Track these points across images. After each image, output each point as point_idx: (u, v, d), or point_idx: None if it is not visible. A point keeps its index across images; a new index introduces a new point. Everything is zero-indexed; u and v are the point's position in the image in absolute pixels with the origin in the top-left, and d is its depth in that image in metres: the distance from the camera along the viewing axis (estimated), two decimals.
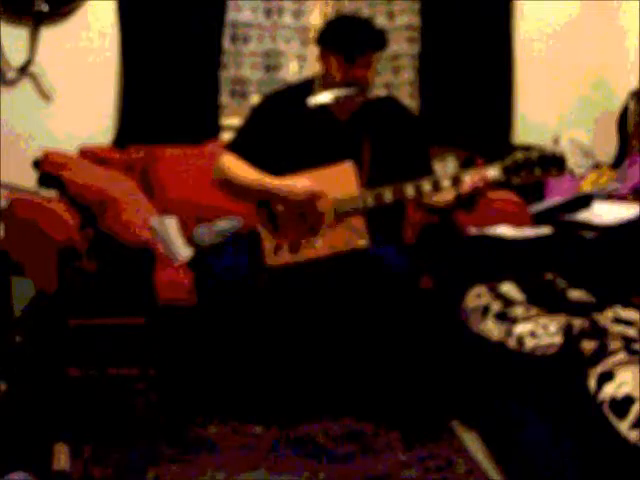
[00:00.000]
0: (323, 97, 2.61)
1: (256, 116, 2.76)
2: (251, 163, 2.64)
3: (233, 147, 2.72)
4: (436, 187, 2.48)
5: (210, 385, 2.60)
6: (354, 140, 2.65)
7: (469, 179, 2.45)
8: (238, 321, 2.53)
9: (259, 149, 2.67)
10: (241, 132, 2.78)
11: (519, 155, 2.43)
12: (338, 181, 2.54)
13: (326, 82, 2.63)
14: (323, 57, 2.65)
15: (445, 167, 3.71)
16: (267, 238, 2.59)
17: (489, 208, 2.93)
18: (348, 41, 2.57)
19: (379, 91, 2.74)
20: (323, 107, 2.64)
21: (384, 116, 2.71)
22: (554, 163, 2.42)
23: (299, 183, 2.52)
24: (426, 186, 2.48)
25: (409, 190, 2.49)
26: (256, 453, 2.35)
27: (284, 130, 2.68)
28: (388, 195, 2.50)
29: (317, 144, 2.65)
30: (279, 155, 2.66)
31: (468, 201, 2.53)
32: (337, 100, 2.60)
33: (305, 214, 2.53)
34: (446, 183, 2.48)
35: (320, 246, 2.55)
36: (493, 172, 2.44)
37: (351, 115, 2.68)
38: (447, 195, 2.55)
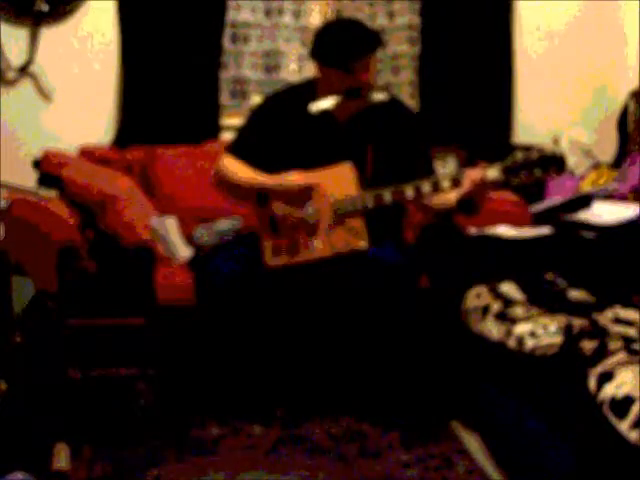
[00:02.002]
0: (325, 103, 2.60)
1: (256, 118, 2.76)
2: (251, 164, 2.64)
3: (233, 149, 2.72)
4: (436, 188, 2.48)
5: (210, 385, 2.60)
6: (355, 142, 2.65)
7: (468, 179, 2.45)
8: (238, 321, 2.53)
9: (259, 151, 2.67)
10: (241, 133, 2.78)
11: (519, 155, 2.43)
12: (337, 182, 2.54)
13: (327, 88, 2.62)
14: (320, 69, 2.62)
15: (445, 167, 3.71)
16: (267, 239, 2.59)
17: (489, 208, 2.92)
18: (341, 52, 2.53)
19: (380, 93, 2.71)
20: (324, 111, 2.64)
21: (385, 118, 2.70)
22: (554, 163, 2.42)
23: (292, 177, 2.53)
24: (426, 187, 2.48)
25: (409, 191, 2.49)
26: (256, 453, 2.35)
27: (285, 132, 2.67)
28: (388, 196, 2.50)
29: (318, 146, 2.65)
30: (279, 157, 2.65)
31: (469, 204, 2.52)
32: (339, 104, 2.59)
33: (305, 207, 2.53)
34: (446, 184, 2.47)
35: (319, 247, 2.55)
36: (493, 173, 2.44)
37: (352, 118, 2.67)
38: (448, 197, 2.54)
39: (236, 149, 2.70)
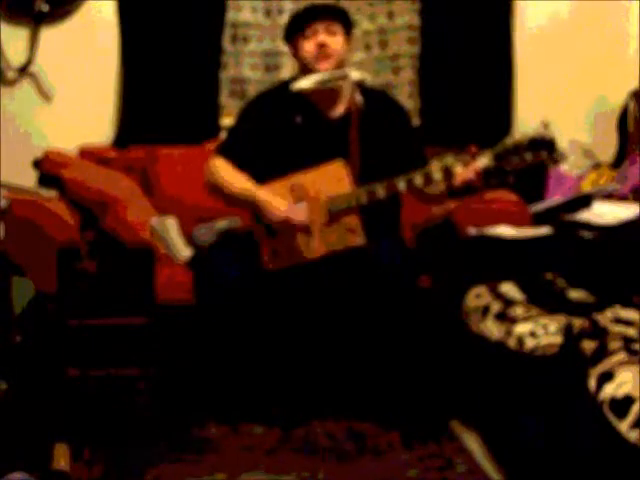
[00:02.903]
0: (304, 82, 2.62)
1: (244, 118, 2.76)
2: (242, 166, 2.65)
3: (223, 150, 2.72)
4: (428, 180, 2.48)
5: (210, 385, 2.60)
6: (344, 137, 2.65)
7: (461, 172, 2.45)
8: (238, 321, 2.53)
9: (249, 151, 2.68)
10: (230, 135, 2.79)
11: (509, 141, 2.44)
12: (330, 180, 2.54)
13: (304, 71, 2.64)
14: (292, 52, 2.71)
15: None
16: (264, 240, 2.59)
17: (489, 208, 2.92)
18: (295, 18, 2.64)
19: (357, 71, 2.73)
20: (310, 105, 2.65)
21: (374, 112, 2.71)
22: (544, 146, 2.42)
23: (278, 206, 2.54)
24: (418, 179, 2.48)
25: (401, 184, 2.50)
26: (256, 453, 2.35)
27: (273, 131, 2.67)
28: (380, 191, 2.51)
29: (307, 143, 2.65)
30: (269, 156, 2.66)
31: (461, 191, 2.53)
32: (319, 86, 2.60)
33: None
34: (437, 175, 2.47)
35: (316, 247, 2.55)
36: (484, 160, 2.44)
37: (340, 112, 2.68)
38: (441, 187, 2.55)
39: (226, 150, 2.71)
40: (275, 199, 2.56)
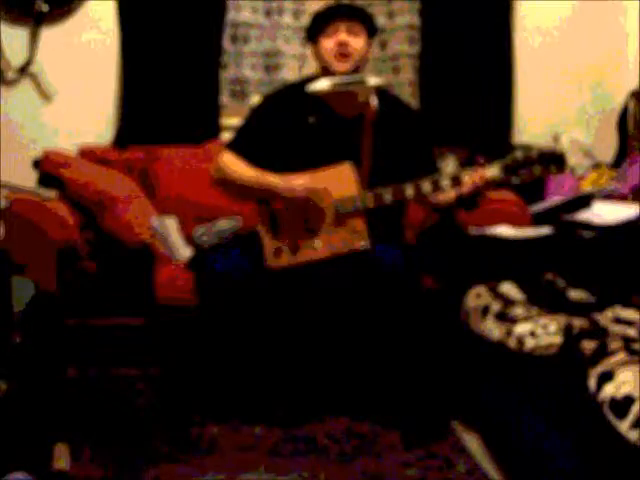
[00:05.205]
0: (321, 84, 2.61)
1: (256, 115, 2.76)
2: (251, 162, 2.64)
3: (233, 146, 2.72)
4: (436, 187, 2.48)
5: (210, 385, 2.60)
6: (355, 140, 2.65)
7: (469, 179, 2.45)
8: (238, 321, 2.53)
9: (259, 148, 2.67)
10: (241, 131, 2.78)
11: (519, 154, 2.44)
12: (338, 182, 2.54)
13: (324, 74, 2.64)
14: (314, 51, 2.68)
15: (445, 167, 3.71)
16: (267, 239, 2.59)
17: (489, 208, 2.93)
18: (317, 16, 2.63)
19: (374, 78, 2.73)
20: (325, 106, 2.64)
21: (386, 115, 2.71)
22: (554, 161, 2.43)
23: (297, 181, 2.52)
24: (426, 186, 2.48)
25: (409, 190, 2.50)
26: (256, 453, 2.35)
27: (285, 129, 2.67)
28: (388, 195, 2.50)
29: (318, 143, 2.65)
30: (280, 153, 2.65)
31: (469, 201, 2.53)
32: (335, 89, 2.59)
33: (304, 212, 2.53)
34: (446, 183, 2.48)
35: (320, 248, 2.55)
36: (493, 171, 2.45)
37: (353, 114, 2.68)
38: (448, 194, 2.56)
39: (236, 146, 2.70)
40: (292, 177, 2.54)
